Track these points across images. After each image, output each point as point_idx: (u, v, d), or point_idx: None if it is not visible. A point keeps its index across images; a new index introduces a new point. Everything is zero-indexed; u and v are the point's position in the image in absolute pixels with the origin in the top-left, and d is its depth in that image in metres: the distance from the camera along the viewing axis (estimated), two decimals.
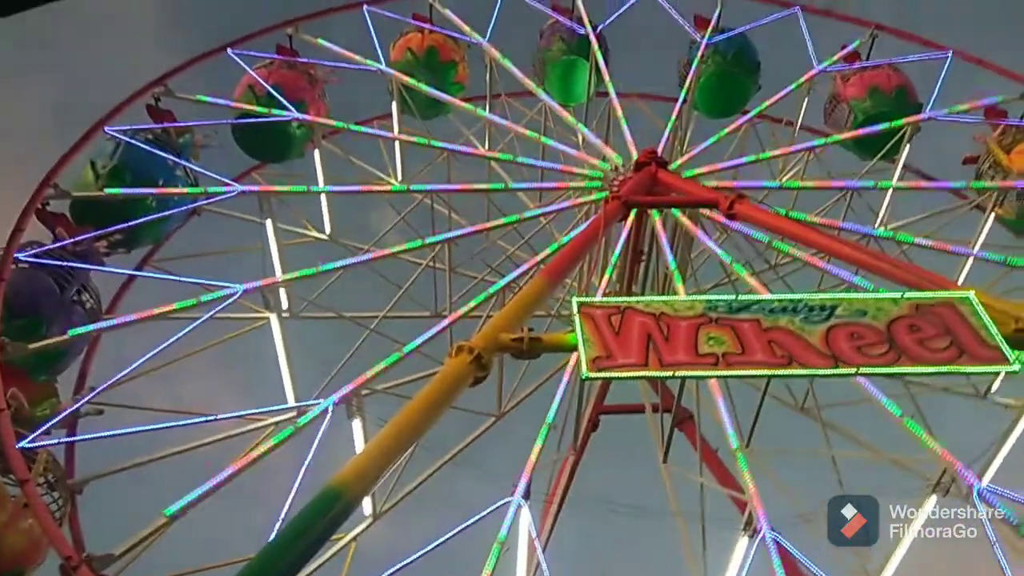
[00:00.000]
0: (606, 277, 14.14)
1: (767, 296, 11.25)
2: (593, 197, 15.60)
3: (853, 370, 9.86)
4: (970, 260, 15.50)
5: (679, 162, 16.34)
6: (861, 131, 17.71)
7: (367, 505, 13.05)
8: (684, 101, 18.17)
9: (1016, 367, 9.62)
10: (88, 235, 14.20)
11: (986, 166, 17.24)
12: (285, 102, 17.14)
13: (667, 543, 13.00)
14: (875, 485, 12.22)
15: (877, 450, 13.35)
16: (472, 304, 13.78)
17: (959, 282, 14.14)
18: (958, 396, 14.86)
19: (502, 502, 10.68)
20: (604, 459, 16.76)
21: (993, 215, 16.44)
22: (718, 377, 11.54)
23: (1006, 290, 15.21)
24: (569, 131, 18.45)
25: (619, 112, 17.24)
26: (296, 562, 7.76)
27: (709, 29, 19.35)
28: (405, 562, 9.47)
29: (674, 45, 20.46)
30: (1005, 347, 9.64)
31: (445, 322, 13.46)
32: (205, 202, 15.59)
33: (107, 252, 14.94)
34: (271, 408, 13.04)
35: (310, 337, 16.76)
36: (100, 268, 14.47)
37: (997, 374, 12.38)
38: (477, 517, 10.10)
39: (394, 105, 18.39)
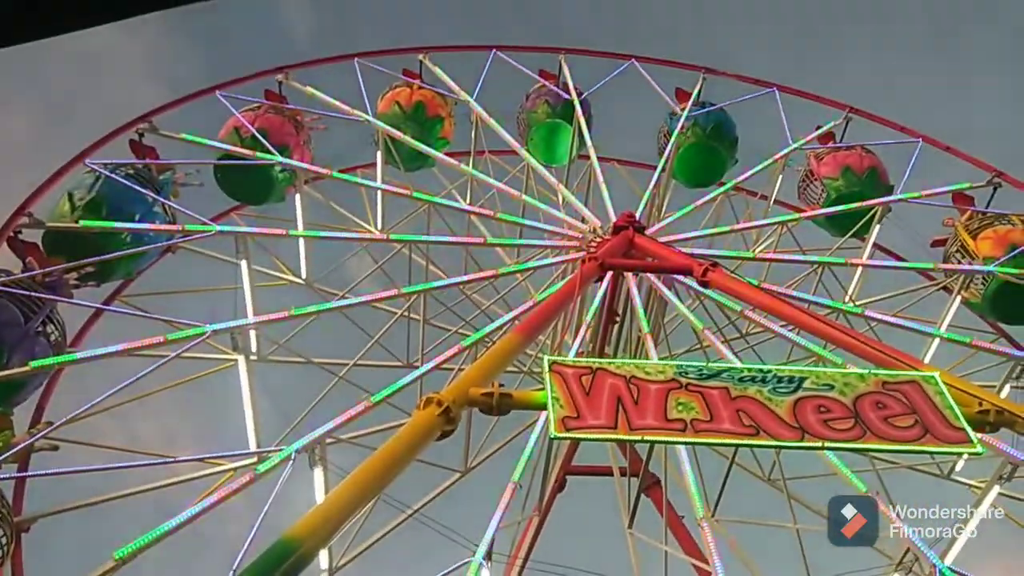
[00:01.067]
0: (579, 337, 14.16)
1: (737, 365, 11.33)
2: (571, 257, 15.76)
3: (819, 444, 9.83)
4: (936, 341, 15.76)
5: (656, 228, 16.61)
6: (834, 209, 18.20)
7: (324, 559, 12.70)
8: (663, 170, 18.58)
9: (979, 449, 9.70)
10: (59, 267, 13.99)
11: (953, 249, 17.67)
12: (269, 146, 17.24)
13: None
14: (839, 561, 12.21)
15: None
16: (443, 356, 13.70)
17: (924, 361, 14.34)
18: (922, 475, 14.96)
19: (463, 562, 10.45)
20: (569, 521, 16.55)
21: (959, 297, 16.81)
22: (685, 444, 11.50)
23: (969, 371, 15.53)
24: (549, 191, 18.72)
25: (599, 176, 17.56)
26: None
27: (690, 102, 19.92)
28: None
29: (655, 114, 21.09)
30: (969, 429, 9.70)
31: (415, 373, 13.35)
32: (181, 240, 15.49)
33: (77, 284, 14.68)
34: (231, 452, 12.76)
35: (276, 381, 16.55)
36: (67, 300, 14.20)
37: (961, 454, 12.47)
38: None
39: (379, 155, 18.56)
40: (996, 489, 12.56)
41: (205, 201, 17.59)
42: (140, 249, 15.16)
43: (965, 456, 13.26)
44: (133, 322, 15.68)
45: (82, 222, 14.66)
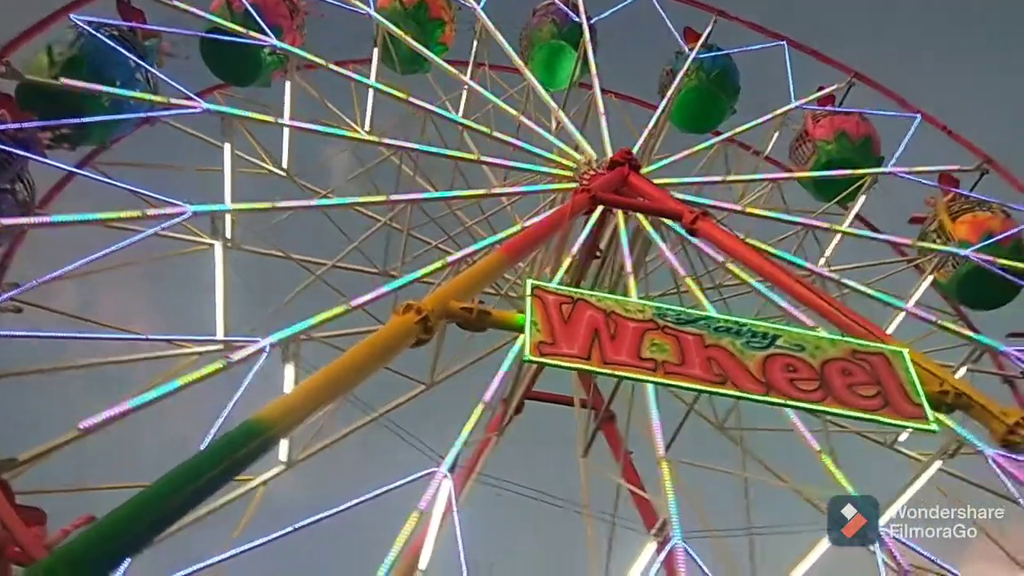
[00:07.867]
0: (562, 267, 14.09)
1: (716, 315, 11.44)
2: (563, 186, 15.56)
3: (782, 400, 10.05)
4: (901, 315, 16.05)
5: (650, 168, 16.44)
6: (827, 172, 18.24)
7: (283, 451, 12.73)
8: (663, 111, 18.31)
9: (934, 427, 10.01)
10: (35, 123, 13.28)
11: (931, 228, 17.90)
12: (263, 24, 16.48)
13: (574, 537, 13.10)
14: (781, 515, 12.68)
15: (787, 480, 13.77)
16: (428, 269, 13.51)
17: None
18: (870, 442, 15.46)
19: (425, 472, 10.52)
20: (523, 444, 16.83)
21: (931, 277, 17.11)
22: (655, 383, 11.62)
23: (928, 350, 15.90)
24: (544, 116, 18.32)
25: (600, 108, 17.21)
26: (204, 487, 7.41)
27: (698, 44, 19.52)
28: (319, 516, 9.31)
29: (658, 51, 20.67)
30: (927, 406, 9.97)
31: (401, 281, 13.10)
32: (164, 113, 14.86)
33: (50, 144, 14.01)
34: (201, 337, 12.59)
35: (242, 274, 16.22)
36: (40, 159, 13.57)
37: (916, 430, 12.84)
38: (401, 483, 9.96)
39: (375, 52, 17.89)
40: (938, 464, 13.05)
41: (186, 75, 16.84)
42: (120, 116, 14.51)
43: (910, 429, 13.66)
44: (101, 190, 15.15)
45: (62, 79, 13.87)
